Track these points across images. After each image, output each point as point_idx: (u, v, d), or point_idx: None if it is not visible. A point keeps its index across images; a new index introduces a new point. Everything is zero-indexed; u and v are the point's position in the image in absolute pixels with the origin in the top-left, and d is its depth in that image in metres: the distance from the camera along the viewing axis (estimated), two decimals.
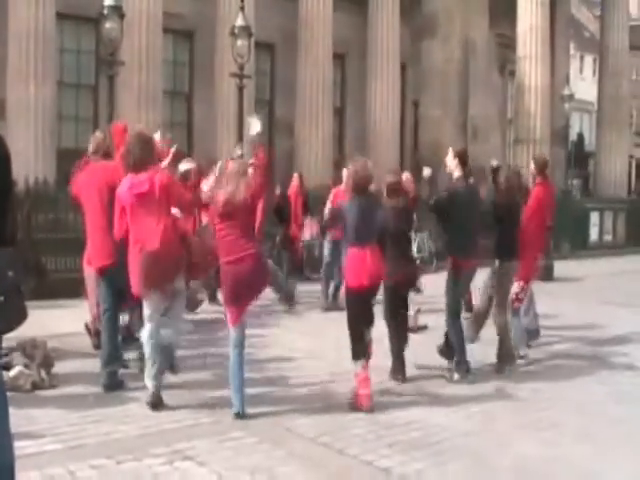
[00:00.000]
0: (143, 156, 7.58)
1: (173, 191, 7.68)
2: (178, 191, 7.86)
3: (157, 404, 7.56)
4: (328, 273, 13.67)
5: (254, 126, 8.22)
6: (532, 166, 11.01)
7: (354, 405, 7.68)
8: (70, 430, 6.93)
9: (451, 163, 9.07)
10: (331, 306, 13.09)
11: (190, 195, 8.30)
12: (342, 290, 14.37)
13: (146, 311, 7.71)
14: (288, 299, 13.41)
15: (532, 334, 10.85)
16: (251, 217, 7.52)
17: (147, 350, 7.64)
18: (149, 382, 7.61)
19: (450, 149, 9.28)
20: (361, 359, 7.80)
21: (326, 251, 13.98)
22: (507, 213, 9.44)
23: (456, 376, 8.87)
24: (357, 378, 7.80)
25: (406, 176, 9.11)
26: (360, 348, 7.85)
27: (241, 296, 7.33)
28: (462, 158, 9.04)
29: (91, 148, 8.69)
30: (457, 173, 9.02)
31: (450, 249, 9.18)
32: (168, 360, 8.04)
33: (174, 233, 7.74)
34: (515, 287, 9.90)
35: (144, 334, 7.66)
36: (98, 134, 8.91)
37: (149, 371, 7.61)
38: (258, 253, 7.45)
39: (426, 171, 9.59)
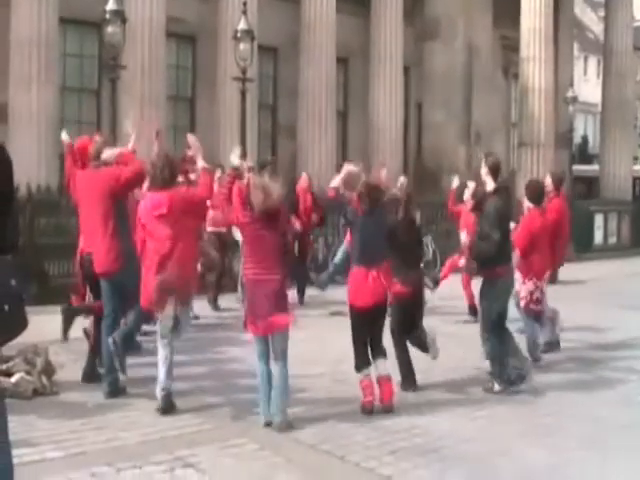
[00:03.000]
0: (169, 176, 7.79)
1: (190, 206, 7.80)
2: (192, 202, 7.91)
3: (168, 409, 7.61)
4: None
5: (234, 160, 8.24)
6: (548, 181, 11.07)
7: (362, 410, 7.73)
8: (71, 437, 6.93)
9: (483, 174, 8.95)
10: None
11: (199, 192, 8.20)
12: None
13: (159, 327, 7.82)
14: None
15: (553, 345, 10.83)
16: (281, 226, 7.49)
17: (161, 362, 7.68)
18: (160, 392, 7.65)
19: (482, 160, 9.08)
20: (364, 370, 7.87)
21: (339, 255, 14.48)
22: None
23: (496, 387, 8.70)
24: (361, 385, 7.84)
25: (401, 182, 9.04)
26: (363, 360, 7.94)
27: (262, 313, 7.25)
28: (494, 170, 8.89)
29: (91, 153, 8.60)
30: (490, 185, 8.87)
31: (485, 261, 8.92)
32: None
33: (191, 252, 7.93)
34: (530, 285, 9.87)
35: (159, 350, 7.75)
36: (98, 139, 8.84)
37: (162, 382, 7.66)
38: (283, 275, 7.41)
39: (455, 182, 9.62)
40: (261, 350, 7.34)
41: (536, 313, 10.16)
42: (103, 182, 8.19)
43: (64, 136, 9.63)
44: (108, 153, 8.56)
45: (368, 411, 7.72)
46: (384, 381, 7.92)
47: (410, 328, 8.88)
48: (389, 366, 8.15)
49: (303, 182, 15.25)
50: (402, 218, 8.82)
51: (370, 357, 7.99)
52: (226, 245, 13.65)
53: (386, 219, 8.25)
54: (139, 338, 9.61)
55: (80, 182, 8.51)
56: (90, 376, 8.64)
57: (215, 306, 13.51)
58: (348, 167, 8.42)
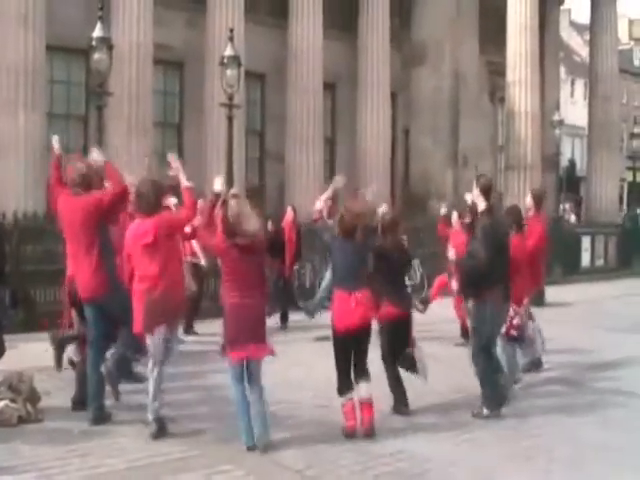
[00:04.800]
0: (154, 202, 7.82)
1: (175, 230, 7.93)
2: (178, 226, 8.02)
3: (160, 434, 7.63)
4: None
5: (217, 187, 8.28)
6: (529, 200, 11.05)
7: (344, 433, 7.74)
8: (56, 464, 6.90)
9: (475, 195, 9.01)
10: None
11: (183, 215, 8.22)
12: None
13: (150, 350, 7.81)
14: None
15: (535, 364, 10.86)
16: (260, 256, 7.55)
17: (151, 386, 7.69)
18: (151, 415, 7.67)
19: (474, 181, 9.11)
20: (346, 394, 7.89)
21: (326, 280, 14.51)
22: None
23: (485, 411, 8.67)
24: (343, 409, 7.85)
25: (383, 209, 9.07)
26: (345, 384, 7.96)
27: (244, 337, 7.29)
28: (486, 190, 8.92)
29: (73, 179, 8.48)
30: (482, 206, 8.89)
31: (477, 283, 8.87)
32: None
33: (178, 276, 7.99)
34: (510, 312, 9.89)
35: (149, 372, 7.76)
36: (80, 166, 8.71)
37: (152, 405, 7.68)
38: (264, 298, 7.54)
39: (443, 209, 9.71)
40: (237, 374, 7.38)
41: (517, 338, 10.14)
42: (85, 209, 8.15)
43: (55, 143, 9.02)
44: (96, 156, 8.57)
45: (350, 435, 7.72)
46: (365, 406, 7.92)
47: (400, 351, 8.87)
48: (379, 391, 8.16)
49: (289, 216, 15.31)
50: (389, 241, 8.84)
51: (353, 381, 8.00)
52: (201, 271, 13.63)
53: (366, 243, 8.24)
54: None
55: (63, 208, 8.47)
56: (80, 404, 8.65)
57: (191, 332, 13.50)
58: (337, 181, 8.54)
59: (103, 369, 7.98)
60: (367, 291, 8.04)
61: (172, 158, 8.18)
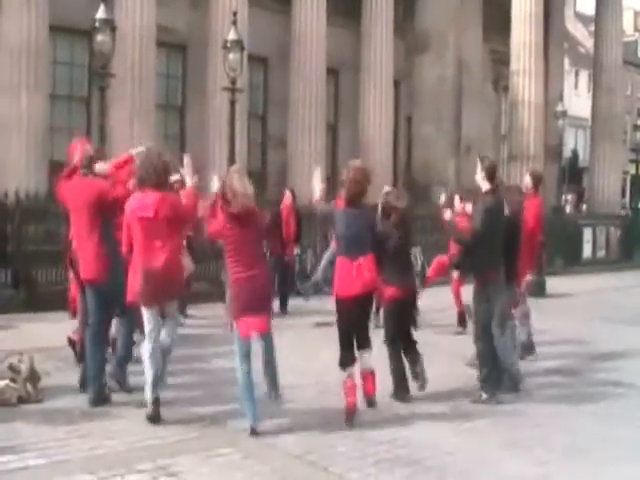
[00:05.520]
0: (157, 176, 7.75)
1: (176, 215, 7.79)
2: (179, 212, 7.88)
3: (156, 418, 7.61)
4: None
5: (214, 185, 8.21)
6: (528, 180, 10.96)
7: (345, 411, 7.74)
8: (55, 445, 6.91)
9: (479, 176, 8.99)
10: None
11: (192, 210, 8.21)
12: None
13: (147, 327, 7.79)
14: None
15: (527, 349, 10.86)
16: (261, 234, 7.64)
17: (146, 364, 7.68)
18: (149, 396, 7.65)
19: (478, 162, 9.10)
20: (348, 368, 7.86)
21: (324, 260, 14.95)
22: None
23: (484, 395, 8.69)
24: (344, 386, 7.83)
25: (386, 190, 9.06)
26: (348, 356, 7.93)
27: (254, 309, 7.34)
28: (490, 172, 8.92)
29: (80, 161, 8.54)
30: (485, 186, 8.90)
31: (477, 263, 8.96)
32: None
33: (178, 254, 7.98)
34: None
35: (145, 349, 7.75)
36: (88, 148, 8.79)
37: (149, 385, 7.66)
38: (267, 267, 7.67)
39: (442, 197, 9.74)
40: (244, 351, 7.39)
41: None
42: (91, 193, 8.18)
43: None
44: (101, 166, 8.62)
45: (350, 412, 7.70)
46: (368, 375, 8.01)
47: (405, 333, 8.89)
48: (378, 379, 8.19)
49: (287, 199, 15.29)
50: (397, 224, 8.83)
51: (356, 355, 8.00)
52: (195, 250, 13.42)
53: (369, 213, 8.24)
54: None
55: (68, 191, 8.48)
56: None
57: (184, 314, 13.40)
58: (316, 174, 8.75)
59: (107, 377, 8.18)
60: (370, 257, 8.00)
61: (187, 159, 8.19)
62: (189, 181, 8.07)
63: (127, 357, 8.67)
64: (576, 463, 6.88)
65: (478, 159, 9.26)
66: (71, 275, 9.48)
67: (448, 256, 13.00)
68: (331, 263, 13.19)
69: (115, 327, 8.74)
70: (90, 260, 8.20)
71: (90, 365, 8.23)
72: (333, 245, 13.44)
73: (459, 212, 12.11)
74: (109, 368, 8.50)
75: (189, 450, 6.86)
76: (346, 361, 7.91)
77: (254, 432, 7.24)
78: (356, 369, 8.00)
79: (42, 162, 17.33)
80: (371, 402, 8.00)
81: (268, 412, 7.83)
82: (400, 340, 8.86)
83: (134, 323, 8.60)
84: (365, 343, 8.10)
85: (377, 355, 8.46)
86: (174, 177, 10.70)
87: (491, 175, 8.88)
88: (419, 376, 8.84)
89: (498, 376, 8.90)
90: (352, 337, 8.01)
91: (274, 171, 24.03)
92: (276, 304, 14.02)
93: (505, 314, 9.09)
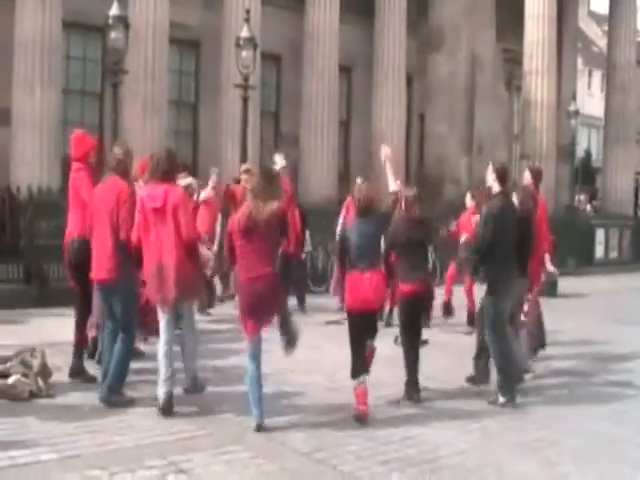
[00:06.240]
0: (166, 169, 7.86)
1: (181, 216, 7.76)
2: (186, 219, 7.86)
3: (168, 410, 7.66)
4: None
5: (279, 162, 8.40)
6: (528, 177, 10.52)
7: (355, 418, 7.73)
8: (66, 440, 6.92)
9: (490, 178, 8.99)
10: None
11: (196, 230, 8.23)
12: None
13: (161, 323, 7.87)
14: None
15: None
16: (271, 237, 7.53)
17: (160, 363, 7.73)
18: (161, 389, 7.70)
19: (490, 164, 9.13)
20: (359, 377, 7.86)
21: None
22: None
23: (501, 399, 8.62)
24: (355, 393, 7.83)
25: (398, 184, 9.06)
26: (359, 366, 7.92)
27: (257, 312, 7.36)
28: (501, 174, 8.91)
29: (108, 161, 8.54)
30: (496, 188, 8.90)
31: (487, 265, 8.89)
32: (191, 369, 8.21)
33: (189, 249, 7.91)
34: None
35: (159, 347, 7.82)
36: (117, 150, 8.72)
37: (162, 378, 7.72)
38: (275, 273, 7.52)
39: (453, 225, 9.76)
40: (254, 351, 7.41)
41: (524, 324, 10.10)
42: (113, 194, 8.17)
43: None
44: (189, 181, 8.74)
45: (361, 420, 7.70)
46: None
47: (417, 330, 8.93)
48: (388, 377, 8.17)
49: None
50: (405, 217, 8.87)
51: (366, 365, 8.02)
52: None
53: (382, 224, 8.29)
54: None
55: (97, 189, 8.51)
56: (77, 373, 8.84)
57: (205, 312, 13.49)
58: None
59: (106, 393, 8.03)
60: (380, 271, 8.09)
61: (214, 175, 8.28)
62: (203, 193, 8.14)
63: (121, 377, 8.17)
64: (587, 465, 6.85)
65: (490, 162, 9.27)
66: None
67: (456, 261, 13.09)
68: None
69: (107, 336, 8.45)
70: (105, 261, 8.14)
71: (103, 362, 8.32)
72: None
73: (470, 210, 12.17)
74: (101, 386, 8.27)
75: (199, 447, 6.86)
76: (358, 371, 7.91)
77: (260, 429, 7.27)
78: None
79: (55, 157, 17.38)
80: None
81: (277, 409, 7.86)
82: (413, 336, 8.87)
83: (133, 343, 8.61)
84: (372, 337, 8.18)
85: (388, 355, 8.46)
86: (185, 181, 10.83)
87: (502, 177, 8.88)
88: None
89: (517, 378, 8.89)
90: (364, 347, 8.03)
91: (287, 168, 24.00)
92: (293, 302, 14.06)
93: (513, 315, 9.13)
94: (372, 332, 8.15)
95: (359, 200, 8.15)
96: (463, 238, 9.80)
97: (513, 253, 8.80)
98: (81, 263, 8.62)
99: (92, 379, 8.76)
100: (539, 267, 10.31)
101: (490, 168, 8.99)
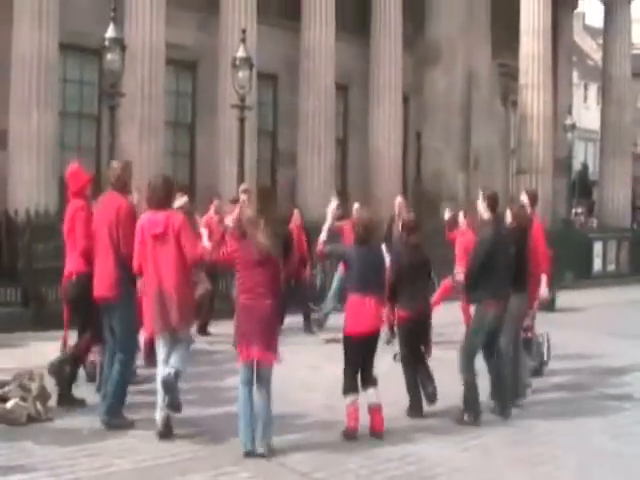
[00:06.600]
0: (163, 197, 7.90)
1: (184, 238, 7.77)
2: (189, 240, 7.87)
3: (167, 434, 7.66)
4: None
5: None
6: (524, 198, 10.84)
7: (343, 434, 7.79)
8: (65, 464, 6.92)
9: (481, 206, 9.06)
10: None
11: (200, 249, 8.23)
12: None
13: (160, 353, 7.85)
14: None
15: (537, 370, 10.85)
16: (273, 268, 7.53)
17: (159, 388, 7.69)
18: (160, 413, 7.68)
19: (480, 191, 9.24)
20: (350, 394, 7.92)
21: (335, 284, 14.87)
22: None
23: (465, 417, 8.65)
24: (346, 410, 7.88)
25: (399, 201, 9.14)
26: (351, 385, 7.99)
27: (251, 338, 7.33)
28: (492, 201, 9.00)
29: (108, 178, 8.62)
30: (486, 215, 8.99)
31: (477, 290, 8.92)
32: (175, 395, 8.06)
33: (188, 274, 7.94)
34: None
35: (158, 375, 7.77)
36: (116, 165, 8.82)
37: (160, 406, 7.69)
38: (273, 305, 7.48)
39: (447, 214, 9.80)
40: (246, 377, 7.37)
41: (525, 340, 10.12)
42: (112, 210, 8.22)
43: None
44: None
45: (350, 437, 7.75)
46: (375, 410, 7.96)
47: (417, 355, 9.03)
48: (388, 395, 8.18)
49: (296, 220, 15.26)
50: (405, 243, 8.96)
51: (359, 384, 8.04)
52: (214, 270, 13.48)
53: (379, 250, 8.42)
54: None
55: (100, 206, 8.55)
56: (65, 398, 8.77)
57: (205, 332, 13.51)
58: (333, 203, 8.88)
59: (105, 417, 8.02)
60: (380, 298, 8.14)
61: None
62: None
63: (119, 398, 8.15)
64: None
65: (480, 189, 9.37)
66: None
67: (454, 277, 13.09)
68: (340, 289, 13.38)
69: (108, 353, 8.46)
70: (105, 278, 8.16)
71: (104, 384, 8.32)
72: (341, 269, 13.48)
73: (462, 228, 12.26)
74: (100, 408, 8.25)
75: (198, 469, 6.86)
76: (349, 389, 7.97)
77: (249, 455, 7.17)
78: (361, 397, 8.01)
79: (52, 180, 17.37)
80: (378, 436, 7.91)
81: (276, 429, 7.83)
82: (412, 360, 8.98)
83: (132, 364, 8.63)
84: (369, 381, 8.11)
85: (389, 372, 8.46)
86: (179, 202, 10.87)
87: (493, 204, 9.00)
88: (431, 397, 8.93)
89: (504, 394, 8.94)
90: (357, 369, 8.09)
91: (284, 187, 24.04)
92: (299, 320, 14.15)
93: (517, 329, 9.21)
94: (369, 358, 8.13)
95: (359, 229, 8.19)
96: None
97: (508, 276, 8.84)
98: (79, 298, 8.67)
99: (81, 402, 8.73)
100: (537, 287, 10.36)
101: (481, 196, 9.08)
